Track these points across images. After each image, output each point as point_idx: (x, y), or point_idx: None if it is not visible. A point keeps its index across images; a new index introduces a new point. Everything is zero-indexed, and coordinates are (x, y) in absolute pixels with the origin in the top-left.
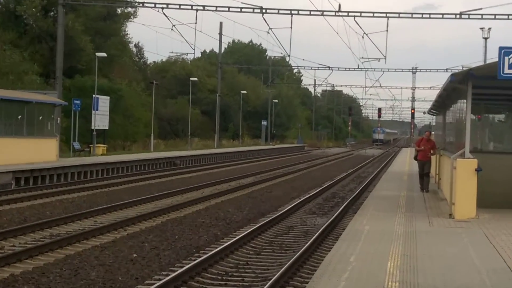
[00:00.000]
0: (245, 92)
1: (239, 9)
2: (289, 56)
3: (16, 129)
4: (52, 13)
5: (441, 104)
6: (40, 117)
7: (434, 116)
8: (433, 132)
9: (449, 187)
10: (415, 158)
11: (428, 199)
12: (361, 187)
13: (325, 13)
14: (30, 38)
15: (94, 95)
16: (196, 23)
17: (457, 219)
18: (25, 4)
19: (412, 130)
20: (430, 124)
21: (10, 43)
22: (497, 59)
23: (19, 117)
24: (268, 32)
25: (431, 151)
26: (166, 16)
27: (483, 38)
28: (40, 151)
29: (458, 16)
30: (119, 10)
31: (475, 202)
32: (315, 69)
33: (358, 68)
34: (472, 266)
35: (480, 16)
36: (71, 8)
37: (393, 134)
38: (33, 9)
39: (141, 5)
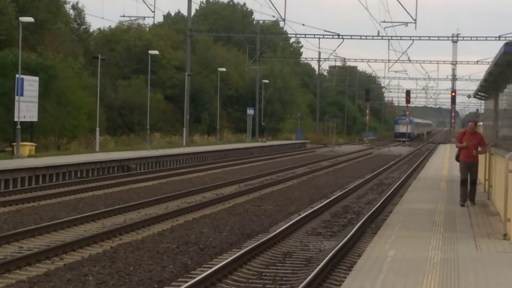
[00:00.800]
0: (224, 69)
1: None
2: (283, 20)
3: None
4: None
5: (492, 85)
6: None
7: (483, 101)
8: (480, 123)
9: (503, 197)
10: (457, 159)
11: (474, 214)
12: (383, 199)
13: None
14: None
15: (17, 75)
16: None
17: None
18: None
19: (453, 120)
20: (477, 111)
21: None
22: None
23: None
24: None
25: (478, 149)
26: None
27: None
28: None
29: None
30: None
31: None
32: (319, 38)
33: (378, 36)
34: None
35: None
36: None
37: (426, 126)
38: None
39: None
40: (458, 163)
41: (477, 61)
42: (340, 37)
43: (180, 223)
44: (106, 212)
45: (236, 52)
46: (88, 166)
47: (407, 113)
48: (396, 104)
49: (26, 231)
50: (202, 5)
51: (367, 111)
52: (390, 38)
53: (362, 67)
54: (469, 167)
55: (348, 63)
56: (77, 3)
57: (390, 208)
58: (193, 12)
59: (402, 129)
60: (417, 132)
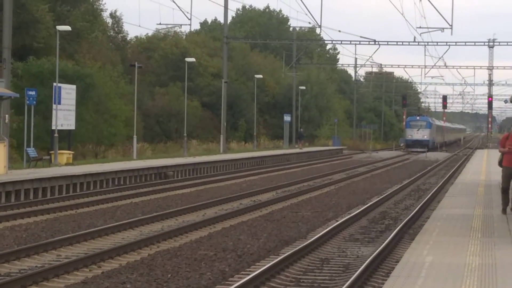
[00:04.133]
0: (261, 76)
1: None
2: (319, 26)
3: None
4: None
5: None
6: None
7: None
8: None
9: None
10: (500, 164)
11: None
12: (420, 204)
13: None
14: None
15: (55, 84)
16: None
17: None
18: None
19: (489, 126)
20: None
21: None
22: None
23: None
24: None
25: None
26: None
27: None
28: None
29: None
30: None
31: None
32: (355, 44)
33: (414, 41)
34: None
35: None
36: None
37: (456, 131)
38: None
39: None
40: (500, 168)
41: None
42: (377, 43)
43: (217, 230)
44: (143, 220)
45: (273, 58)
46: (126, 174)
47: (423, 114)
48: (433, 110)
49: (64, 239)
50: (238, 12)
51: (404, 117)
52: (426, 43)
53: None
54: (511, 174)
55: (385, 69)
56: (115, 11)
57: (428, 214)
58: (229, 19)
59: (416, 135)
60: (441, 140)
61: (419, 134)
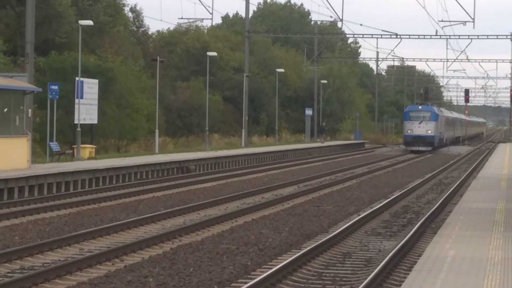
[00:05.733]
0: (282, 70)
1: None
2: (341, 20)
3: None
4: None
5: None
6: (5, 109)
7: None
8: None
9: None
10: None
11: None
12: (442, 198)
13: None
14: None
15: (77, 78)
16: None
17: None
18: None
19: None
20: None
21: None
22: None
23: None
24: None
25: None
26: None
27: None
28: (6, 155)
29: None
30: None
31: None
32: (377, 38)
33: (436, 35)
34: None
35: None
36: None
37: (474, 125)
38: None
39: None
40: None
41: None
42: (398, 36)
43: (239, 224)
44: (165, 214)
45: (294, 52)
46: (148, 168)
47: (427, 103)
48: (455, 103)
49: (86, 233)
50: (259, 6)
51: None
52: (448, 37)
53: (420, 66)
54: None
55: (406, 63)
56: (135, 5)
57: (450, 208)
58: (251, 13)
59: (418, 129)
60: (451, 135)
61: (422, 128)
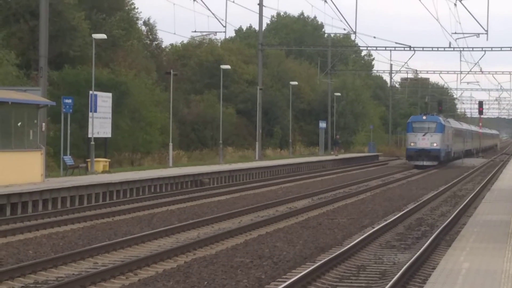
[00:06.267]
0: (296, 83)
1: None
2: (354, 33)
3: None
4: None
5: None
6: (19, 123)
7: None
8: None
9: None
10: None
11: None
12: (456, 211)
13: None
14: (4, 17)
15: (91, 92)
16: None
17: None
18: None
19: None
20: None
21: None
22: None
23: None
24: (325, 1)
25: None
26: None
27: None
28: (20, 169)
29: None
30: None
31: None
32: (390, 50)
33: (449, 47)
34: None
35: None
36: None
37: (486, 137)
38: None
39: None
40: None
41: None
42: (412, 49)
43: (253, 237)
44: (179, 227)
45: (308, 65)
46: (162, 181)
47: (433, 113)
48: (469, 116)
49: (100, 246)
50: (273, 19)
51: None
52: (461, 49)
53: (434, 78)
54: None
55: (420, 75)
56: (148, 19)
57: (464, 220)
58: (264, 26)
59: (422, 142)
60: (460, 148)
61: (426, 141)
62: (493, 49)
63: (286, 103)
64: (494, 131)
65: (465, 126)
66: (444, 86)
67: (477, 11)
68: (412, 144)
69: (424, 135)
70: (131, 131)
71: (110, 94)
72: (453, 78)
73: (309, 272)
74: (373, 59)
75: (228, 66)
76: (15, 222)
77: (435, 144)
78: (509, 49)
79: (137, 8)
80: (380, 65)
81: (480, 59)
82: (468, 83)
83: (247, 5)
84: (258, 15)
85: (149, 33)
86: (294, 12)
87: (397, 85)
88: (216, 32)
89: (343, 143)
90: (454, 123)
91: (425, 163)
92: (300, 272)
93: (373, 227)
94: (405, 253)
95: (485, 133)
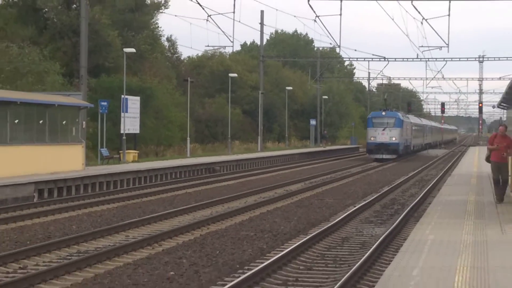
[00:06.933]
0: (291, 88)
1: None
2: (339, 46)
3: (37, 136)
4: (75, 5)
5: None
6: (64, 122)
7: (505, 110)
8: None
9: None
10: (488, 160)
11: (500, 204)
12: (423, 192)
13: None
14: (51, 34)
15: (122, 96)
16: (234, 12)
17: None
18: None
19: (480, 127)
20: (500, 119)
21: (29, 40)
22: None
23: (41, 122)
24: (315, 21)
25: (508, 151)
26: (200, 5)
27: None
28: (65, 160)
29: None
30: (148, 0)
31: None
32: (368, 61)
33: (417, 58)
34: None
35: None
36: (96, 0)
37: (448, 132)
38: (54, 2)
39: None
40: (486, 163)
41: (500, 78)
42: (386, 59)
43: (256, 215)
44: (196, 206)
45: (300, 73)
46: (181, 169)
47: (391, 108)
48: (433, 114)
49: (131, 222)
50: (272, 35)
51: None
52: (427, 59)
53: (404, 84)
54: (499, 167)
55: (393, 81)
56: (170, 36)
57: (430, 200)
58: (264, 41)
59: (381, 136)
60: (420, 142)
61: (385, 135)
62: (453, 59)
63: (282, 104)
64: (453, 127)
65: (425, 121)
66: (413, 90)
67: (439, 28)
68: (372, 138)
69: (383, 130)
70: (156, 128)
71: (138, 98)
72: (420, 84)
73: (303, 243)
74: (354, 68)
75: (235, 75)
76: (61, 203)
77: (394, 138)
78: (466, 59)
79: (160, 27)
80: (360, 73)
81: (442, 67)
82: (432, 87)
83: (251, 24)
84: (259, 32)
85: (171, 48)
86: (289, 29)
87: (374, 90)
88: (225, 47)
89: (329, 137)
90: (414, 119)
91: (384, 156)
92: (295, 243)
93: (355, 206)
94: (381, 227)
95: (446, 129)
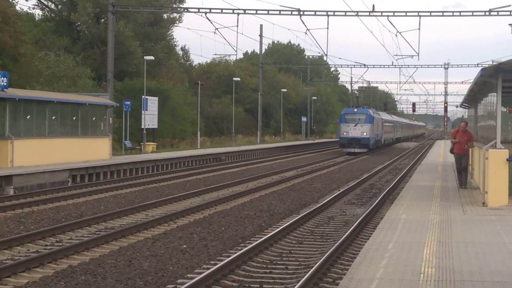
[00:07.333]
0: (285, 90)
1: (278, 12)
2: (326, 55)
3: (72, 130)
4: (103, 20)
5: (473, 98)
6: (94, 118)
7: (466, 110)
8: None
9: (481, 176)
10: (451, 151)
11: (462, 189)
12: (397, 178)
13: (359, 13)
14: (83, 44)
15: (143, 96)
16: (237, 26)
17: (490, 207)
18: (78, 12)
19: (445, 123)
20: (462, 117)
21: (64, 49)
22: None
23: (74, 118)
24: (305, 33)
25: (468, 143)
26: (209, 20)
27: None
28: (94, 150)
29: (487, 13)
30: (165, 16)
31: (507, 190)
32: (351, 67)
33: (392, 65)
34: (505, 252)
35: (508, 13)
36: (121, 15)
37: (414, 127)
38: (86, 17)
39: (185, 10)
40: (452, 155)
41: (462, 82)
42: (366, 66)
43: (256, 197)
44: (205, 190)
45: (293, 78)
46: (193, 158)
47: (364, 105)
48: (405, 112)
49: (150, 203)
50: (269, 45)
51: None
52: (400, 66)
53: (381, 87)
54: (461, 158)
55: (372, 85)
56: (184, 45)
57: (403, 185)
58: (263, 50)
59: (353, 131)
60: (391, 136)
61: (357, 130)
62: (422, 66)
63: (278, 104)
64: (422, 123)
65: (395, 118)
66: (389, 92)
67: (411, 40)
68: (344, 133)
69: (355, 126)
70: (171, 123)
71: (156, 98)
72: (395, 87)
73: (295, 221)
74: (339, 73)
75: (238, 79)
76: (91, 187)
77: (365, 133)
78: (433, 66)
79: (175, 38)
80: (344, 78)
81: (414, 73)
82: (405, 90)
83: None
84: (259, 43)
85: (184, 56)
86: (284, 40)
87: (355, 92)
88: (230, 55)
89: (318, 131)
90: (385, 115)
91: (356, 150)
92: (289, 221)
93: (339, 190)
94: (361, 208)
95: (416, 125)
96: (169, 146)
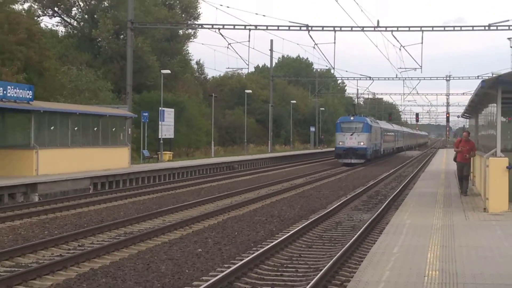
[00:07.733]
0: (294, 102)
1: (287, 28)
2: (333, 68)
3: (93, 140)
4: (122, 36)
5: (474, 108)
6: (113, 129)
7: (467, 120)
8: None
9: (482, 183)
10: (455, 160)
11: (464, 196)
12: (402, 185)
13: (365, 28)
14: (103, 59)
15: (160, 108)
16: (249, 41)
17: (491, 212)
18: (99, 29)
19: (447, 133)
20: (464, 127)
21: (86, 63)
22: None
23: (95, 129)
24: (314, 47)
25: (470, 153)
26: (222, 35)
27: (511, 47)
28: (114, 159)
29: (487, 27)
30: (181, 32)
31: (507, 196)
32: (357, 80)
33: (396, 77)
34: (505, 255)
35: (507, 27)
36: (139, 31)
37: (416, 137)
38: (106, 33)
39: (200, 26)
40: (455, 163)
41: (463, 93)
42: (371, 79)
43: (267, 203)
44: (219, 197)
45: (302, 90)
46: (207, 167)
47: (361, 113)
48: (409, 122)
49: (167, 209)
50: (279, 59)
51: None
52: (404, 78)
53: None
54: (463, 166)
55: (377, 96)
56: (199, 60)
57: (407, 192)
58: (273, 64)
59: (350, 141)
60: (391, 146)
61: (353, 140)
62: (425, 78)
63: (288, 115)
64: (424, 133)
65: (396, 127)
66: (393, 103)
67: (414, 53)
68: (340, 143)
69: (351, 135)
70: (187, 133)
71: (172, 109)
72: (399, 98)
73: (305, 226)
74: (346, 85)
75: (250, 91)
76: (111, 194)
77: (362, 143)
78: (436, 78)
79: (190, 53)
80: (350, 89)
81: (417, 85)
82: (409, 101)
83: (263, 50)
84: (269, 57)
85: (199, 69)
86: (293, 54)
87: (361, 103)
88: (242, 69)
89: (326, 141)
90: (384, 124)
91: (353, 161)
92: (298, 226)
93: (346, 197)
94: (368, 214)
95: (419, 134)
96: (184, 155)
